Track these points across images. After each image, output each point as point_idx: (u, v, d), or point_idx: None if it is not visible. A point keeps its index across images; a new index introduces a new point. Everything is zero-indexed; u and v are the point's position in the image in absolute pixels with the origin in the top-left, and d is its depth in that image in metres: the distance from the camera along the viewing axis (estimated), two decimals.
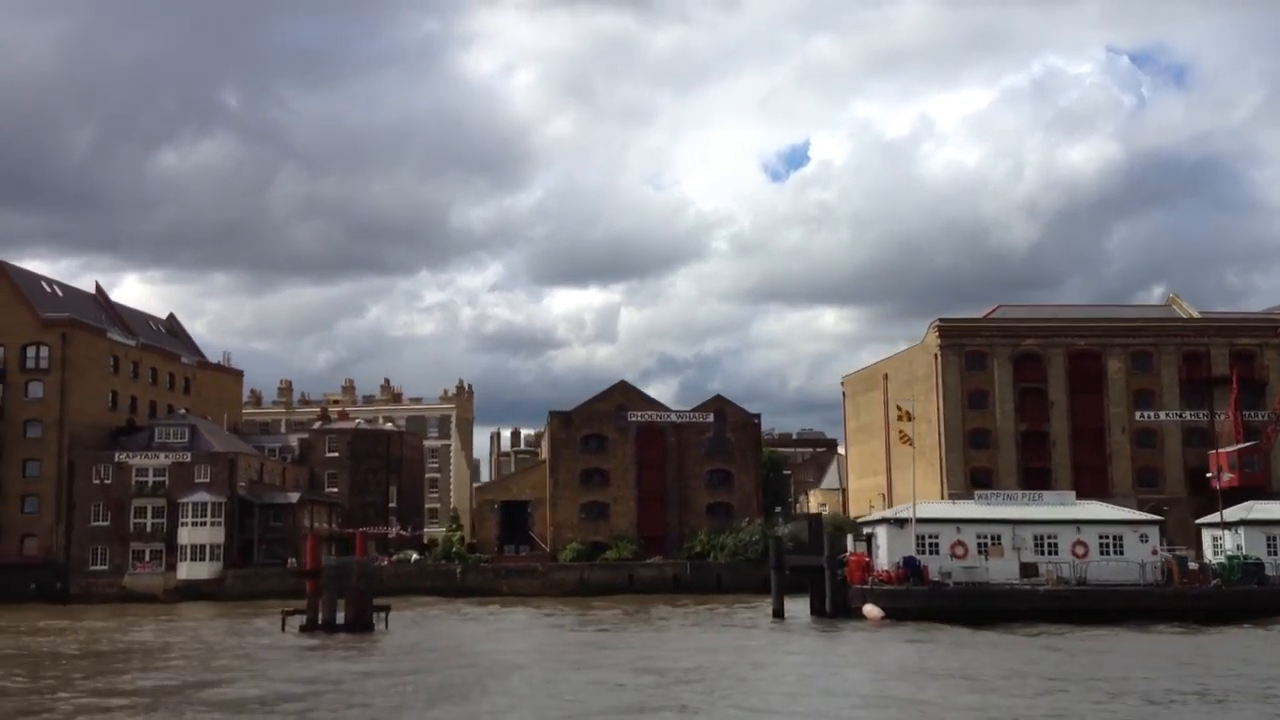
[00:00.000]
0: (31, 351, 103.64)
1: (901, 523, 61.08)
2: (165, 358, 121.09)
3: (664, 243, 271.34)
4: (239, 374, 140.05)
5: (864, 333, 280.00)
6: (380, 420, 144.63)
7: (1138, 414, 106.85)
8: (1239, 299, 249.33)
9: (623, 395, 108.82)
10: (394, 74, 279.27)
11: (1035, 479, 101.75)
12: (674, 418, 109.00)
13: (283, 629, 55.50)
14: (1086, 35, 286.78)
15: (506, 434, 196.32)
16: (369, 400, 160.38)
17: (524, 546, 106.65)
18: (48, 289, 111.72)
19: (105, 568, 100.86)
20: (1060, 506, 64.59)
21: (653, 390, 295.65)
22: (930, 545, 60.18)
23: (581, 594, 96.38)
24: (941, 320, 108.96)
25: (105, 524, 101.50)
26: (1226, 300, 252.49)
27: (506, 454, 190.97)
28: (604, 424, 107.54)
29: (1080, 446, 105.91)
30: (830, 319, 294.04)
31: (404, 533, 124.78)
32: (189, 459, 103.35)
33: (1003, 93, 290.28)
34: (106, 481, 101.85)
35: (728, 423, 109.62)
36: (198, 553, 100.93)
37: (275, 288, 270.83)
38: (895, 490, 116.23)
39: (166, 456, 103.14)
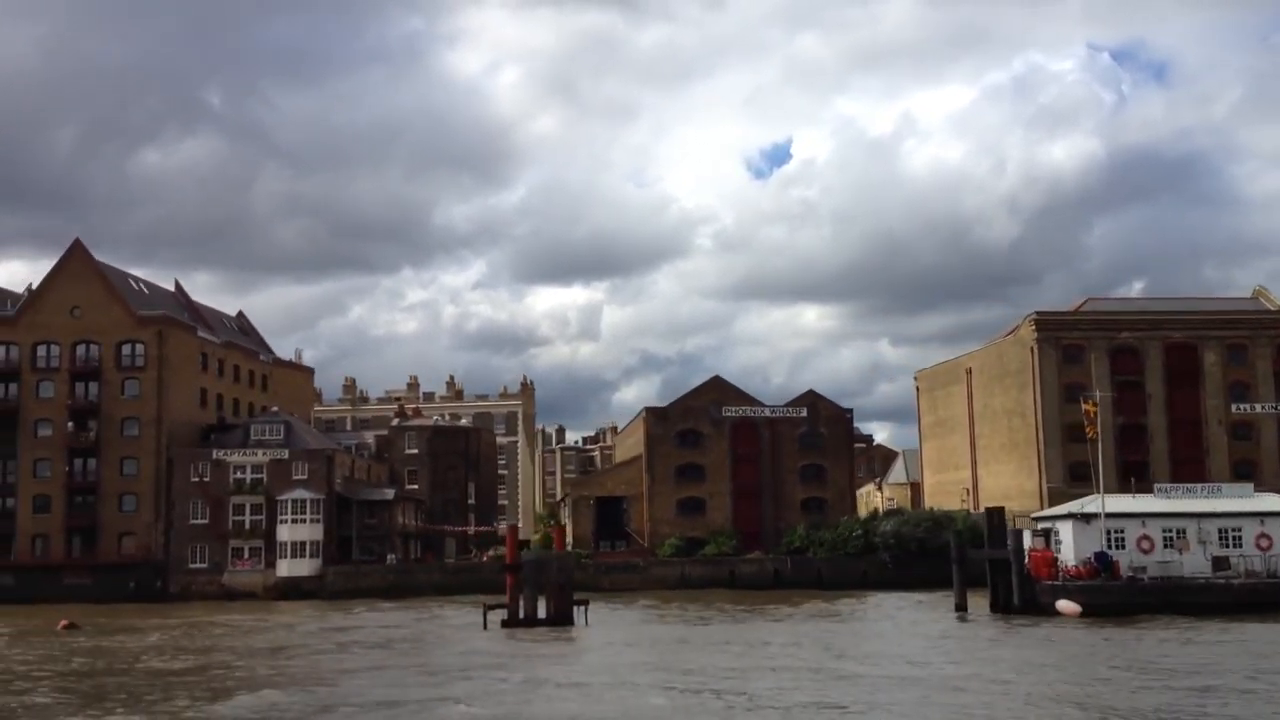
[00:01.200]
0: (127, 349, 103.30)
1: (1088, 518, 60.67)
2: (245, 355, 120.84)
3: (647, 240, 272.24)
4: (310, 371, 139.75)
5: (846, 329, 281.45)
6: (445, 417, 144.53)
7: (1234, 406, 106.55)
8: (1218, 293, 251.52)
9: (717, 390, 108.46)
10: (379, 72, 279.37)
11: (1133, 473, 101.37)
12: (767, 412, 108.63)
13: (484, 625, 55.21)
14: (1068, 32, 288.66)
15: (549, 430, 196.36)
16: (428, 397, 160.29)
17: (620, 542, 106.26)
18: (135, 286, 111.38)
19: (204, 565, 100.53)
20: (1241, 499, 64.28)
21: (635, 388, 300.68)
22: (1116, 540, 59.89)
23: (682, 589, 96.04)
24: (1039, 314, 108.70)
25: (204, 522, 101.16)
26: (1206, 293, 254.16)
27: (550, 450, 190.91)
28: (699, 419, 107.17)
29: (1177, 439, 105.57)
30: (812, 316, 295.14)
31: (482, 529, 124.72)
32: (286, 456, 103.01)
33: (985, 90, 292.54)
34: (205, 479, 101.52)
35: (820, 417, 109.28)
36: (297, 550, 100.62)
37: (258, 287, 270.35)
38: (983, 485, 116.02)
39: (264, 454, 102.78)
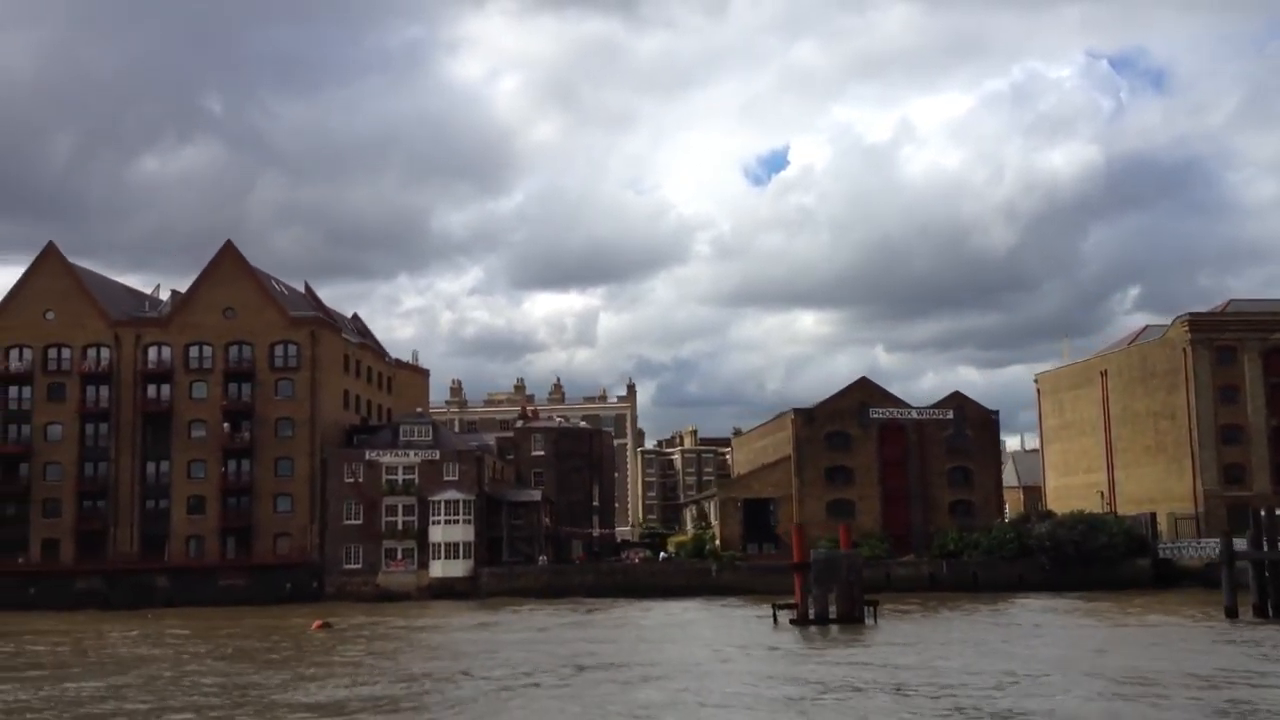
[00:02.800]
0: (279, 350, 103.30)
1: None
2: (375, 356, 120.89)
3: (644, 247, 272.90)
4: (426, 373, 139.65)
5: (842, 335, 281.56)
6: (554, 418, 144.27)
7: None
8: (1213, 300, 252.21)
9: (864, 392, 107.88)
10: (378, 80, 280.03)
11: None
12: (914, 414, 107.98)
13: (774, 623, 54.88)
14: (1066, 40, 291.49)
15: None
16: (528, 399, 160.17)
17: (768, 545, 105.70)
18: (277, 287, 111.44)
19: (359, 566, 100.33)
20: None
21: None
22: None
23: None
24: (1192, 315, 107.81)
25: (357, 522, 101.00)
26: (1203, 300, 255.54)
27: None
28: (847, 421, 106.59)
29: None
30: (808, 322, 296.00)
31: (606, 531, 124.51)
32: (437, 457, 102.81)
33: (983, 97, 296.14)
34: (358, 480, 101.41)
35: (967, 420, 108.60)
36: (451, 550, 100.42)
37: None
38: (1122, 488, 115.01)
39: (415, 454, 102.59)
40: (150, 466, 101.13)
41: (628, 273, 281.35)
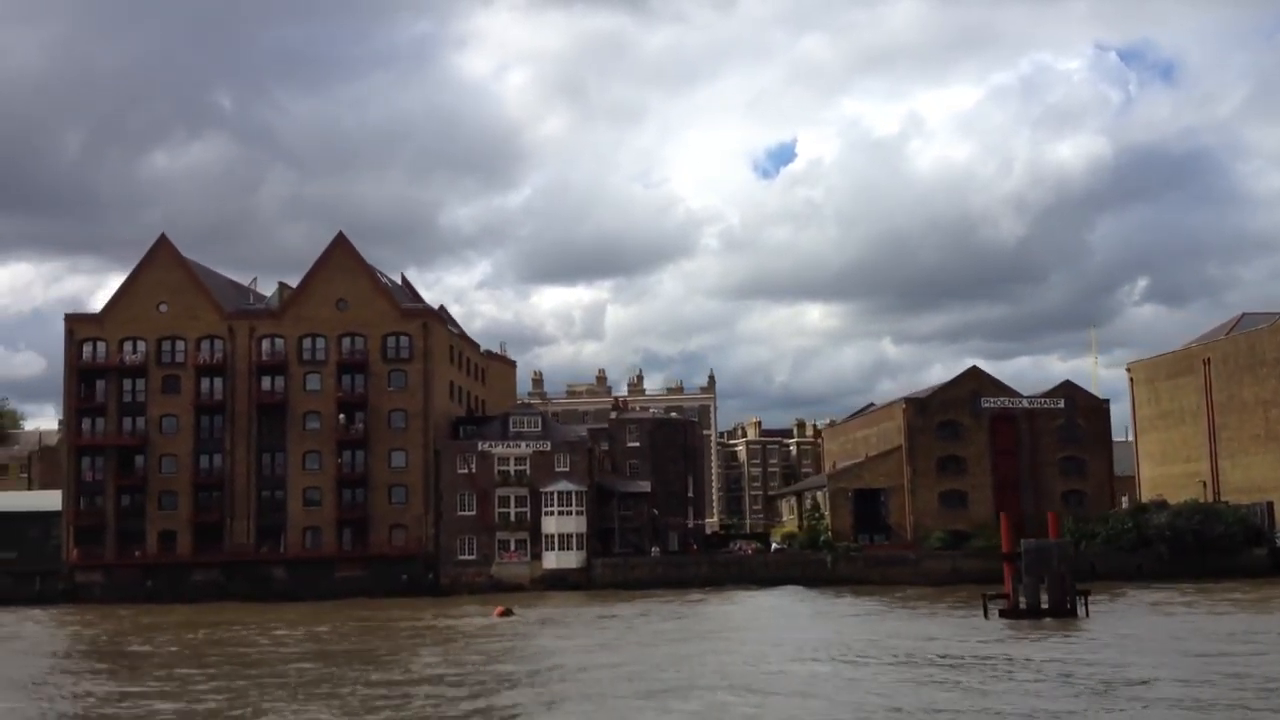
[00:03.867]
0: (391, 341, 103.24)
1: None
2: (473, 347, 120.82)
3: (652, 240, 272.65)
4: (513, 364, 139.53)
5: (849, 328, 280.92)
6: (634, 408, 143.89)
7: None
8: (1221, 291, 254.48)
9: (975, 381, 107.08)
10: (387, 75, 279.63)
11: None
12: (1025, 403, 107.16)
13: (985, 614, 54.40)
14: (1075, 32, 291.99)
15: None
16: (602, 392, 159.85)
17: (879, 535, 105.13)
18: (381, 279, 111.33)
19: (473, 558, 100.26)
20: None
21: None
22: None
23: (954, 583, 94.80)
24: None
25: (471, 514, 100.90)
26: (1209, 291, 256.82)
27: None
28: (959, 410, 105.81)
29: None
30: (816, 315, 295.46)
31: (699, 522, 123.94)
32: (549, 448, 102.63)
33: (991, 90, 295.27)
34: (472, 471, 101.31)
35: (1078, 409, 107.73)
36: (565, 541, 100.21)
37: (263, 289, 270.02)
38: (1228, 477, 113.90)
39: (527, 445, 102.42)
40: (265, 458, 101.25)
41: (635, 266, 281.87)
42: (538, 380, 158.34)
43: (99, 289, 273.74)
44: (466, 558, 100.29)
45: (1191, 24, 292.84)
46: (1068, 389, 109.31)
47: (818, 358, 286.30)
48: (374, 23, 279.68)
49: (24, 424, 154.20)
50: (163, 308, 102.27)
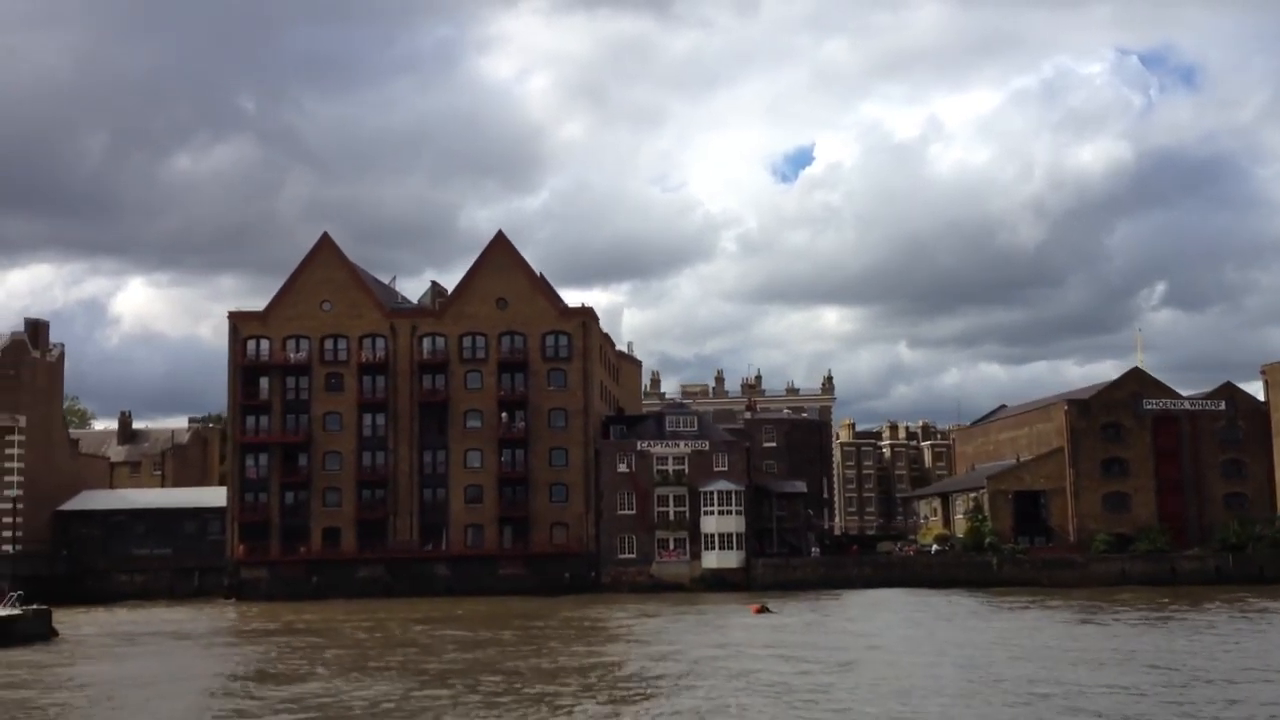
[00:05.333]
0: (550, 340, 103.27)
1: None
2: (610, 346, 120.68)
3: (669, 243, 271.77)
4: (639, 364, 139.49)
5: (865, 332, 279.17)
6: (754, 409, 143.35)
7: None
8: (1239, 295, 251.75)
9: (1137, 382, 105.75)
10: (410, 79, 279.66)
11: None
12: (1187, 405, 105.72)
13: None
14: (1097, 36, 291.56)
15: None
16: (718, 392, 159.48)
17: (1039, 538, 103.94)
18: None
19: (633, 556, 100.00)
20: None
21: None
22: None
23: (1121, 585, 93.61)
24: None
25: (630, 513, 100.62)
26: (1228, 296, 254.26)
27: None
28: (1121, 412, 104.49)
29: None
30: (832, 319, 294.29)
31: (831, 523, 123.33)
32: (707, 447, 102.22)
33: (1012, 94, 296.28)
34: (631, 470, 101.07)
35: (1239, 410, 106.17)
36: (725, 541, 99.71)
37: None
38: None
39: (685, 445, 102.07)
40: (427, 456, 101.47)
41: (652, 269, 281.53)
42: (656, 380, 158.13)
43: (119, 291, 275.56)
44: (627, 556, 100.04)
45: (1213, 28, 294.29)
46: (1228, 390, 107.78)
47: (833, 362, 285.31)
48: (398, 26, 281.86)
49: (93, 423, 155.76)
50: (325, 306, 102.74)
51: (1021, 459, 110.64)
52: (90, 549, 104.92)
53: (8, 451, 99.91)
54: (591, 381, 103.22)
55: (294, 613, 79.52)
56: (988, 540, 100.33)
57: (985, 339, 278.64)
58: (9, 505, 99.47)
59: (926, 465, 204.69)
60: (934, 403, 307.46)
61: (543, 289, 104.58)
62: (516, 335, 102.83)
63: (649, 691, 40.02)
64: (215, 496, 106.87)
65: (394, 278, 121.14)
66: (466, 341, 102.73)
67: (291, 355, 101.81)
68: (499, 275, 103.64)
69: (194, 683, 45.37)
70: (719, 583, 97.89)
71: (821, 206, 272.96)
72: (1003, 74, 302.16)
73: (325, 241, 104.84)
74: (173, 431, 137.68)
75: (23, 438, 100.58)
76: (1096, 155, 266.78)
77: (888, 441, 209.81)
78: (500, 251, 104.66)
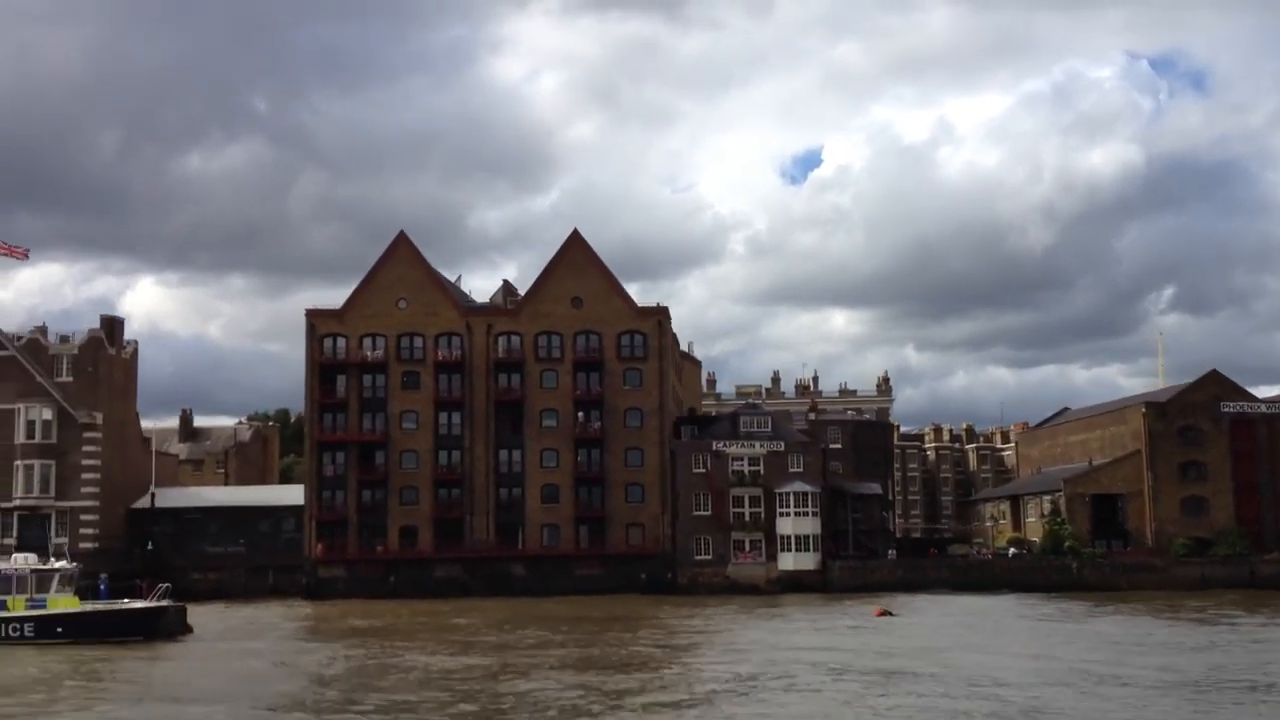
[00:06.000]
0: (626, 340, 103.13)
1: None
2: (676, 346, 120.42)
3: (679, 245, 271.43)
4: (699, 364, 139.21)
5: (873, 334, 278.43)
6: (813, 411, 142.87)
7: None
8: (1248, 300, 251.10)
9: (1215, 385, 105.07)
10: (422, 79, 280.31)
11: None
12: (1264, 408, 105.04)
13: None
14: (1107, 40, 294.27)
15: None
16: (772, 394, 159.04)
17: (1116, 541, 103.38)
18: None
19: (709, 558, 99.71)
20: None
21: None
22: None
23: (1201, 590, 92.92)
24: None
25: (706, 513, 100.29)
26: (1236, 300, 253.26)
27: None
28: (1198, 415, 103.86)
29: None
30: (840, 321, 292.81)
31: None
32: (782, 448, 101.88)
33: (1022, 97, 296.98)
34: (706, 470, 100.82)
35: None
36: (801, 543, 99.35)
37: (291, 290, 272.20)
38: None
39: (761, 446, 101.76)
40: (503, 455, 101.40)
41: (661, 271, 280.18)
42: (712, 381, 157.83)
43: (128, 290, 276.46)
44: (703, 557, 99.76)
45: (1224, 33, 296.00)
46: None
47: (840, 364, 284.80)
48: (410, 26, 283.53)
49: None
50: (402, 304, 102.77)
51: (1094, 462, 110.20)
52: (164, 547, 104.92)
53: (86, 449, 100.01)
54: (667, 381, 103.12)
55: (391, 613, 79.36)
56: (1067, 544, 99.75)
57: (993, 342, 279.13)
58: (89, 503, 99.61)
59: (971, 468, 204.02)
60: (940, 406, 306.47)
61: (618, 288, 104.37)
62: (592, 334, 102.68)
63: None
64: (289, 495, 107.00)
65: (459, 276, 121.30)
66: (542, 340, 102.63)
67: (368, 353, 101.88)
68: (574, 274, 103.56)
69: (406, 673, 45.77)
70: (795, 584, 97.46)
71: (831, 209, 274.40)
72: (1013, 77, 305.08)
73: (402, 240, 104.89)
74: (235, 429, 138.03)
75: (100, 434, 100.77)
76: (1106, 159, 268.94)
77: (932, 444, 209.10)
78: (575, 250, 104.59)
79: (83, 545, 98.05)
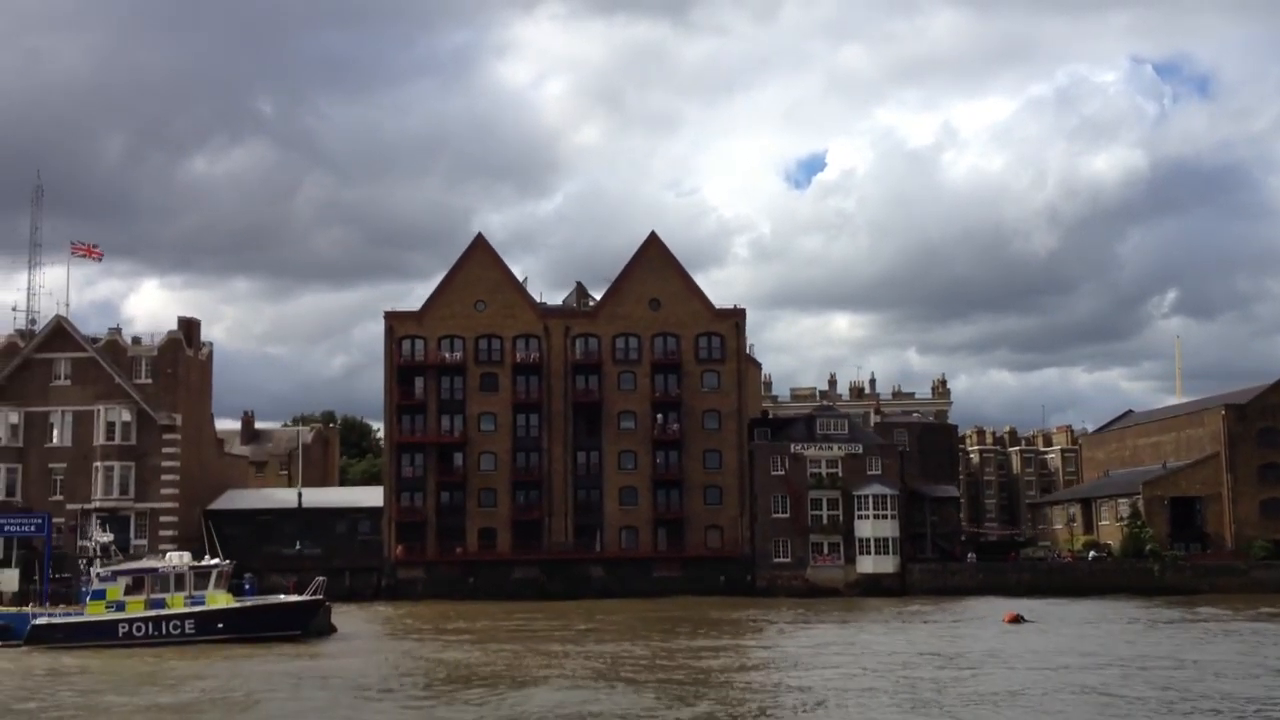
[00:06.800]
0: (703, 342, 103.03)
1: None
2: None
3: (682, 249, 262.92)
4: (759, 366, 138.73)
5: (876, 338, 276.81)
6: (878, 414, 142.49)
7: None
8: (1250, 304, 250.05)
9: None
10: (428, 83, 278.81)
11: None
12: None
13: None
14: (1112, 45, 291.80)
15: None
16: (828, 395, 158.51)
17: (1194, 544, 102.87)
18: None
19: (788, 560, 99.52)
20: None
21: None
22: None
23: None
24: None
25: (784, 516, 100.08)
26: (1238, 305, 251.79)
27: None
28: (1278, 417, 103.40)
29: None
30: (843, 324, 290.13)
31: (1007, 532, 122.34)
32: (860, 451, 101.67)
33: (1027, 101, 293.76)
34: (785, 473, 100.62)
35: None
36: (880, 546, 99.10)
37: (294, 294, 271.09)
38: None
39: (839, 448, 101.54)
40: (580, 457, 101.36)
41: None
42: (767, 382, 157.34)
43: (131, 293, 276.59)
44: (781, 560, 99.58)
45: (1228, 38, 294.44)
46: None
47: (842, 367, 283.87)
48: (417, 31, 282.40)
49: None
50: (480, 306, 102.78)
51: (1169, 465, 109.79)
52: (240, 548, 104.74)
53: (166, 450, 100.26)
54: (745, 383, 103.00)
55: (483, 613, 79.45)
56: (1149, 547, 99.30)
57: (996, 346, 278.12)
58: (169, 504, 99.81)
59: (1014, 471, 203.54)
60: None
61: (695, 289, 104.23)
62: (669, 336, 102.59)
63: None
64: (364, 496, 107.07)
65: (525, 278, 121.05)
66: (619, 343, 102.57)
67: (446, 355, 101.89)
68: (652, 276, 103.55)
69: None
70: (873, 588, 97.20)
71: (835, 213, 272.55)
72: (1018, 81, 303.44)
73: (480, 242, 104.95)
74: (298, 431, 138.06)
75: (179, 436, 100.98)
76: (1110, 163, 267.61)
77: (976, 447, 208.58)
78: (653, 252, 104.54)
79: (162, 547, 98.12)
